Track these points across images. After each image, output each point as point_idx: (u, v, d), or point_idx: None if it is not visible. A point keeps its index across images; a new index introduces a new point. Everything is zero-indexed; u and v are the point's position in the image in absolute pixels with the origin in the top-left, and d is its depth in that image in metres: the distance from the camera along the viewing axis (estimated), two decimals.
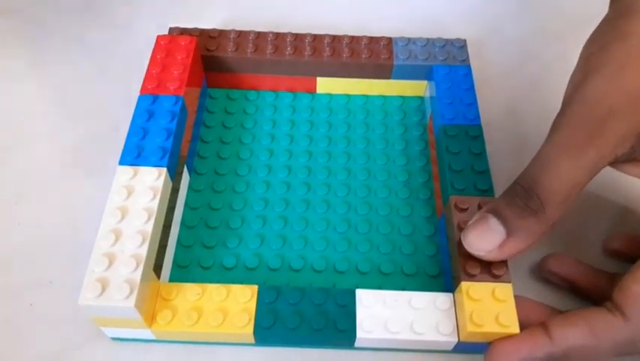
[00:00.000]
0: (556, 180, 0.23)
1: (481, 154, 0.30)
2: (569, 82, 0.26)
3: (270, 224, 0.31)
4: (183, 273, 0.29)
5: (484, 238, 0.25)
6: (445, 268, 0.29)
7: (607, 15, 0.25)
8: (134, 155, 0.28)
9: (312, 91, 0.36)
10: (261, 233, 0.31)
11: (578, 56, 0.26)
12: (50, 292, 0.29)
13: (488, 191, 0.28)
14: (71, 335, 0.27)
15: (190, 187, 0.32)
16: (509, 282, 0.25)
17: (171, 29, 0.34)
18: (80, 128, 0.35)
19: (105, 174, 0.30)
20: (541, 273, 0.30)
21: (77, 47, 0.39)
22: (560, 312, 0.27)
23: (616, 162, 0.25)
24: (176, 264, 0.29)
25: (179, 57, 0.32)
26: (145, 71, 0.31)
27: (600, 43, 0.25)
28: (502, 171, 0.33)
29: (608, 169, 0.26)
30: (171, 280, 0.29)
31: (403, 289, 0.27)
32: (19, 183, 0.32)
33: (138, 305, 0.24)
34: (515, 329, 0.24)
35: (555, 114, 0.25)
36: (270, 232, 0.31)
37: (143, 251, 0.25)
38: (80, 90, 0.37)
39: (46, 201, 0.32)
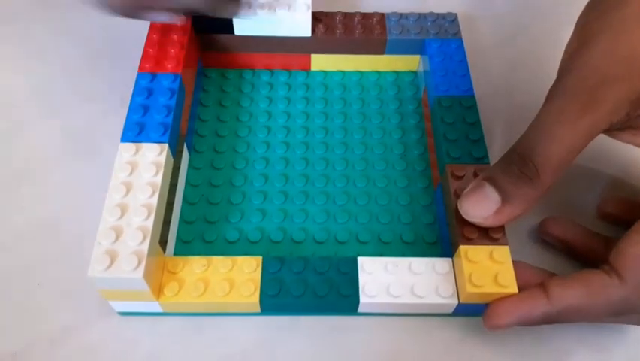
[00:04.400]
0: (552, 148, 0.24)
1: (475, 123, 0.30)
2: (565, 50, 0.26)
3: (270, 199, 0.31)
4: (187, 248, 0.30)
5: (479, 206, 0.26)
6: (442, 236, 0.30)
7: None
8: (135, 132, 0.28)
9: (306, 68, 0.37)
10: (263, 208, 0.31)
11: (568, 26, 0.26)
12: (57, 271, 0.29)
13: (483, 158, 0.29)
14: (79, 313, 0.28)
15: (190, 165, 0.32)
16: (506, 245, 0.26)
17: None
18: (79, 109, 0.35)
19: (107, 153, 0.31)
20: (540, 235, 0.30)
21: (73, 27, 0.39)
22: None
23: (611, 130, 0.26)
24: (179, 239, 0.30)
25: (175, 36, 0.32)
26: (141, 51, 0.31)
27: (596, 11, 0.25)
28: (496, 139, 0.34)
29: (603, 136, 0.27)
30: (176, 255, 0.29)
31: (403, 256, 0.28)
32: (22, 165, 0.33)
33: (146, 277, 0.24)
34: (514, 288, 0.25)
35: (547, 84, 0.25)
36: (271, 206, 0.31)
37: (150, 224, 0.25)
38: (78, 71, 0.37)
39: (49, 183, 0.32)
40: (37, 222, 0.31)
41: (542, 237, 0.31)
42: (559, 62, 0.26)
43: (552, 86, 0.25)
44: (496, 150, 0.33)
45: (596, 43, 0.24)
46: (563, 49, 0.26)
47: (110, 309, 0.27)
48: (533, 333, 0.28)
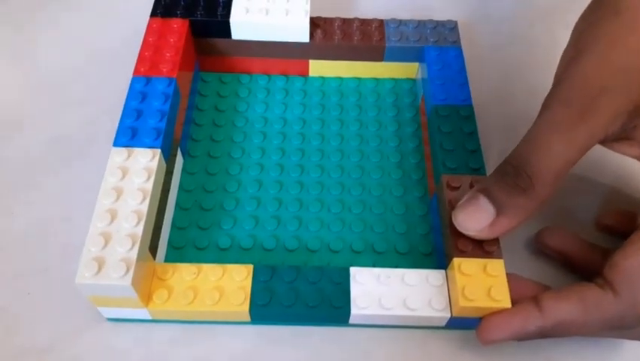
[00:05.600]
0: (547, 158, 0.24)
1: (472, 133, 0.30)
2: (560, 60, 0.26)
3: (264, 205, 0.31)
4: (178, 254, 0.29)
5: (474, 218, 0.25)
6: (437, 247, 0.30)
7: None
8: (128, 136, 0.28)
9: (304, 74, 0.36)
10: (256, 214, 0.31)
11: (564, 35, 0.26)
12: (46, 280, 0.29)
13: (480, 170, 0.29)
14: (69, 322, 0.28)
15: (184, 170, 0.32)
16: (501, 258, 0.26)
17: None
18: (71, 114, 0.35)
19: (98, 160, 0.30)
20: (537, 245, 0.30)
21: (66, 30, 0.39)
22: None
23: (606, 141, 0.25)
24: (171, 245, 0.29)
25: (171, 40, 0.32)
26: (137, 55, 0.31)
27: (592, 21, 0.25)
28: (493, 150, 0.33)
29: (600, 147, 0.26)
30: (167, 261, 0.29)
31: (396, 267, 0.28)
32: (11, 172, 0.32)
33: (135, 284, 0.24)
34: (507, 303, 0.25)
35: (543, 93, 0.25)
36: (264, 213, 0.31)
37: (139, 231, 0.25)
38: (70, 75, 0.37)
39: (39, 189, 0.32)
40: (27, 229, 0.30)
41: (539, 248, 0.30)
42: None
43: (547, 96, 0.25)
44: (493, 159, 0.32)
45: (591, 53, 0.24)
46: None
47: (101, 318, 0.27)
48: (529, 346, 0.27)
